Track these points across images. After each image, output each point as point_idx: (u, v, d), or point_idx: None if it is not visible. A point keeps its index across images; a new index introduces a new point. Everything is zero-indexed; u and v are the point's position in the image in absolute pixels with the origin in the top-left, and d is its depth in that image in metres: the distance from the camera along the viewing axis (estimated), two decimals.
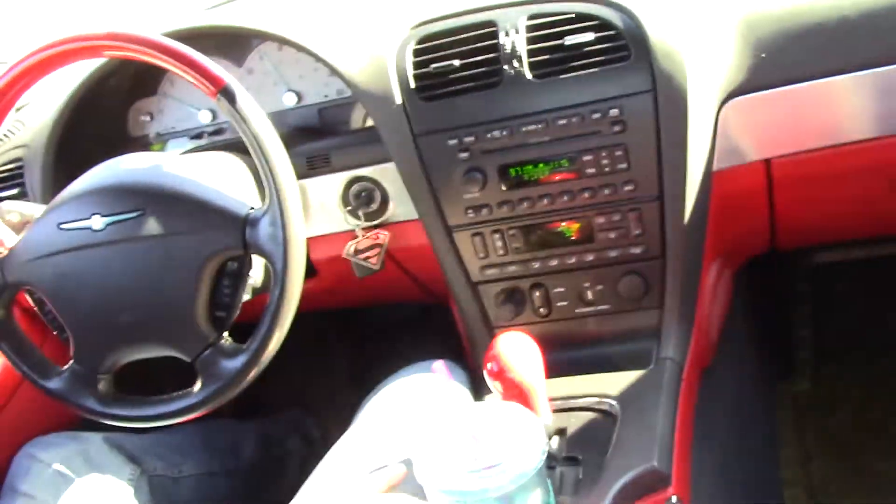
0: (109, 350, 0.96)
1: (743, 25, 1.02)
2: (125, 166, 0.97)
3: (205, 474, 1.36)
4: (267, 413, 1.69)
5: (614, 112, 1.00)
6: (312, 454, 1.02)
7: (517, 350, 0.89)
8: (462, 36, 1.05)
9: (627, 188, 1.03)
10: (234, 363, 0.91)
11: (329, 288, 1.25)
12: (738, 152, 1.04)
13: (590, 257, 1.08)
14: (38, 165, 1.23)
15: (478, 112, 1.04)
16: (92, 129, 1.25)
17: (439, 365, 0.88)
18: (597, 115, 1.00)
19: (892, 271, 1.64)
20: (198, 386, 0.93)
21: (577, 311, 1.11)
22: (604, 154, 1.02)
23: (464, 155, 1.05)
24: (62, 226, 0.94)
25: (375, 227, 1.15)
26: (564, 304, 1.11)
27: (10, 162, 1.26)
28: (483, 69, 1.03)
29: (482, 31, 1.04)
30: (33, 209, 1.02)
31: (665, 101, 0.98)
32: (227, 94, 0.88)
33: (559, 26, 1.01)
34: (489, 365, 0.88)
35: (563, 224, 1.07)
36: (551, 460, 0.89)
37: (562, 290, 1.10)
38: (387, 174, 1.11)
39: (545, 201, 1.06)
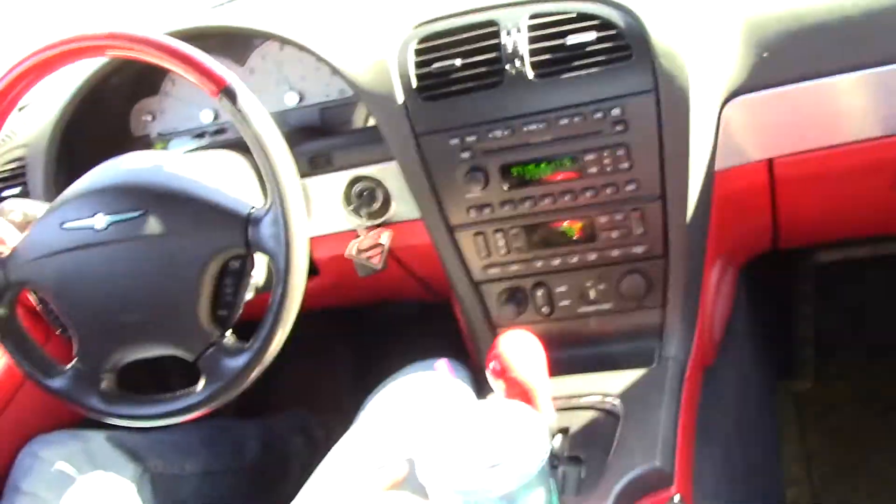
0: (112, 349, 0.97)
1: (745, 24, 1.02)
2: (127, 166, 0.97)
3: (207, 473, 1.36)
4: (270, 412, 1.69)
5: (616, 112, 1.00)
6: (315, 453, 1.02)
7: (520, 349, 0.89)
8: (464, 35, 1.05)
9: (629, 188, 1.03)
10: (237, 362, 0.92)
11: (331, 287, 1.25)
12: (740, 152, 1.04)
13: (592, 257, 1.08)
14: (41, 165, 1.23)
15: (480, 112, 1.04)
16: (94, 128, 1.26)
17: (442, 364, 0.88)
18: (599, 115, 1.00)
19: (895, 270, 1.64)
20: (201, 385, 0.93)
21: (579, 310, 1.11)
22: (606, 154, 1.02)
23: (466, 154, 1.05)
24: (65, 225, 0.94)
25: (377, 226, 1.15)
26: (567, 303, 1.11)
27: (13, 161, 1.27)
28: (485, 69, 1.03)
29: (484, 31, 1.04)
30: (36, 208, 1.02)
31: (667, 101, 0.98)
32: (229, 94, 0.88)
33: (561, 26, 1.01)
34: (492, 364, 0.88)
35: (566, 223, 1.07)
36: (554, 460, 0.89)
37: (564, 289, 1.10)
38: (389, 173, 1.11)
39: (547, 201, 1.06)
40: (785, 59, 0.99)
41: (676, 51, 0.98)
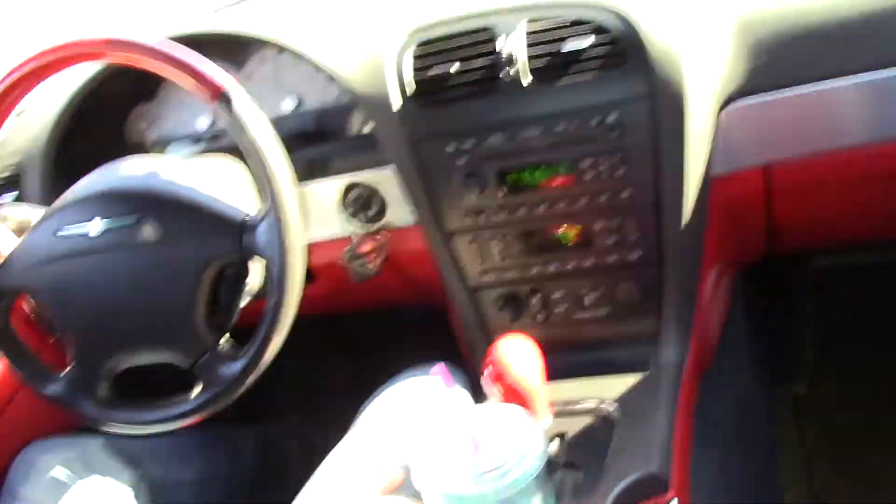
0: (108, 355, 0.97)
1: (741, 28, 1.02)
2: (122, 172, 0.97)
3: (204, 479, 1.36)
4: (267, 418, 1.68)
5: (612, 117, 0.99)
6: (312, 459, 1.02)
7: (517, 354, 0.89)
8: (460, 41, 1.05)
9: (625, 194, 1.03)
10: (232, 368, 0.92)
11: (327, 293, 1.25)
12: (737, 157, 1.03)
13: (588, 262, 1.08)
14: (37, 171, 1.23)
15: (476, 117, 1.04)
16: (90, 134, 1.26)
17: (439, 369, 0.88)
18: (595, 121, 1.00)
19: (893, 275, 1.63)
20: (196, 391, 0.93)
21: (575, 316, 1.11)
22: (602, 159, 1.02)
23: (461, 160, 1.05)
24: (59, 232, 0.94)
25: (374, 232, 1.15)
26: (562, 309, 1.11)
27: (8, 167, 1.27)
28: (481, 75, 1.03)
29: (480, 37, 1.04)
30: (31, 213, 1.02)
31: (663, 106, 0.98)
32: (225, 99, 0.88)
33: (556, 32, 1.01)
34: (489, 368, 0.88)
35: (561, 230, 1.07)
36: (551, 465, 0.89)
37: (560, 295, 1.10)
38: (385, 179, 1.11)
39: (543, 207, 1.06)
40: (782, 62, 0.99)
41: (672, 56, 0.98)
